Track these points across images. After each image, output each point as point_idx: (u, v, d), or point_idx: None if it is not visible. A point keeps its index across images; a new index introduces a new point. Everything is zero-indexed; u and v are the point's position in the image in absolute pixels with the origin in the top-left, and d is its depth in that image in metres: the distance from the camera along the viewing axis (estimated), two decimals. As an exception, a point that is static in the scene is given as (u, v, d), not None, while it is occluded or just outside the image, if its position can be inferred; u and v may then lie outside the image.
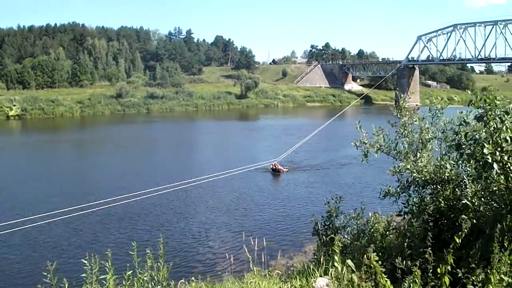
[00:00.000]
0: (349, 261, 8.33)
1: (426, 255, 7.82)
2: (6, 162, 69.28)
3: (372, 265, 7.99)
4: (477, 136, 8.26)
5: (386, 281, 7.74)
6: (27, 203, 43.44)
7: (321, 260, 9.99)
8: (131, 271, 8.46)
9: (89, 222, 36.66)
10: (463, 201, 8.90)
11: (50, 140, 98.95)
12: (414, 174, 10.21)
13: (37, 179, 55.37)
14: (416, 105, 14.55)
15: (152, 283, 8.64)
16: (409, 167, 10.42)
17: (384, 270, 7.86)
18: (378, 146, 11.29)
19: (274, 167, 55.12)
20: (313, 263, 11.10)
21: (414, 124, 11.11)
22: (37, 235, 33.84)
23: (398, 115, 11.32)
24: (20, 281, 27.06)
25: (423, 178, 10.05)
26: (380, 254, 8.63)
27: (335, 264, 8.53)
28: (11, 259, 30.79)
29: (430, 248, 7.86)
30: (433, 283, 7.68)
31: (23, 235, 32.48)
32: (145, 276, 8.56)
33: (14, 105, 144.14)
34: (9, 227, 26.86)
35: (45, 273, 8.02)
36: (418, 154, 10.59)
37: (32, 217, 29.21)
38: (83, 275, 8.14)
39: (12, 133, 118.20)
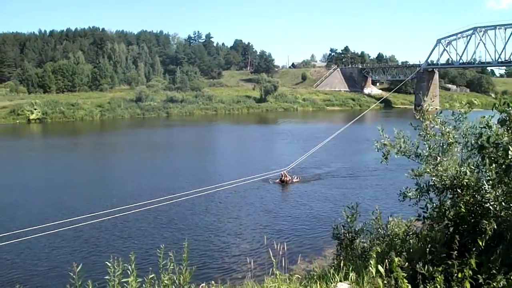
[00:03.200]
0: (380, 267, 8.28)
1: (450, 261, 7.78)
2: (29, 166, 69.82)
3: (393, 270, 7.94)
4: (500, 140, 8.20)
5: (407, 286, 7.69)
6: (52, 207, 43.71)
7: (341, 264, 9.94)
8: (153, 275, 8.46)
9: (112, 226, 36.81)
10: (484, 205, 8.82)
11: (71, 143, 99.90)
12: (434, 178, 10.13)
13: (61, 183, 55.62)
14: (436, 108, 14.40)
15: (173, 286, 8.64)
16: (429, 170, 10.35)
17: (405, 275, 7.81)
18: (399, 147, 11.21)
19: (282, 178, 52.57)
20: (333, 267, 11.06)
21: (435, 128, 11.03)
22: (63, 239, 34.00)
23: (421, 118, 11.24)
24: (48, 282, 27.23)
25: (442, 183, 9.97)
26: (400, 259, 8.57)
27: (370, 268, 8.48)
28: (40, 260, 31.09)
29: (456, 252, 7.81)
30: None
31: (50, 238, 32.66)
32: (166, 280, 8.56)
33: (35, 109, 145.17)
34: (39, 231, 27.56)
35: (71, 274, 8.08)
36: (439, 158, 10.50)
37: (59, 222, 29.34)
38: (106, 277, 8.16)
39: (33, 137, 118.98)
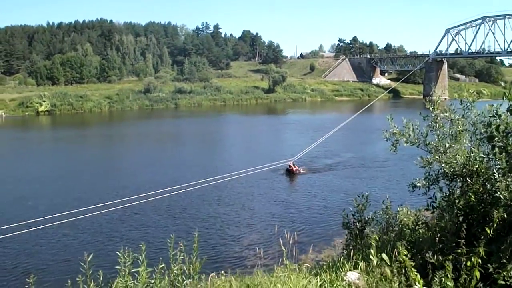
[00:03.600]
0: (384, 255, 8.31)
1: (459, 249, 7.79)
2: (40, 158, 70.48)
3: (402, 260, 7.96)
4: (510, 129, 8.19)
5: (416, 275, 7.71)
6: (64, 198, 43.99)
7: (351, 254, 9.97)
8: (163, 265, 8.51)
9: (123, 216, 37.02)
10: (494, 195, 8.80)
11: (81, 135, 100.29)
12: (443, 165, 10.13)
13: (72, 174, 55.94)
14: (445, 98, 14.38)
15: (183, 276, 8.67)
16: (438, 157, 10.35)
17: (414, 264, 7.82)
18: (408, 136, 11.21)
19: (289, 168, 52.44)
20: (343, 257, 11.08)
21: (444, 118, 11.02)
22: (76, 229, 34.26)
23: (430, 108, 11.22)
24: (61, 271, 27.37)
25: (452, 170, 9.97)
26: (410, 248, 8.58)
27: (371, 257, 8.51)
28: (53, 250, 31.33)
29: (463, 240, 7.82)
30: (465, 276, 7.63)
31: (63, 228, 32.93)
32: (176, 270, 8.59)
33: (44, 101, 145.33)
34: (50, 221, 27.62)
35: (82, 263, 8.13)
36: (447, 145, 10.49)
37: (70, 211, 29.57)
38: (117, 267, 8.21)
39: (43, 129, 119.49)
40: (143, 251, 8.29)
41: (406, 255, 7.96)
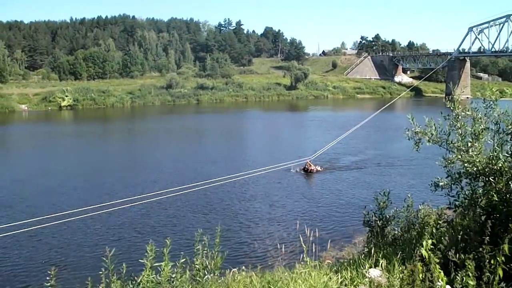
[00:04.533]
0: (406, 253, 8.29)
1: (482, 248, 7.75)
2: (66, 152, 71.31)
3: (424, 257, 7.94)
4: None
5: (440, 272, 7.69)
6: (90, 191, 44.60)
7: (372, 251, 9.96)
8: (185, 259, 8.56)
9: (146, 211, 37.28)
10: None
11: (104, 129, 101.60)
12: (466, 165, 10.10)
13: (97, 168, 56.47)
14: (467, 97, 14.26)
15: (205, 271, 8.72)
16: (460, 156, 10.31)
17: (438, 261, 7.81)
18: (430, 135, 11.17)
19: (306, 167, 51.86)
20: (363, 254, 11.07)
21: (467, 117, 10.97)
22: (102, 222, 34.63)
23: (451, 107, 11.17)
24: (86, 263, 27.63)
25: (474, 169, 9.93)
26: (431, 247, 8.56)
27: (392, 255, 8.51)
28: (79, 242, 31.58)
29: (488, 237, 7.78)
30: (488, 275, 7.60)
31: (89, 221, 33.35)
32: (197, 264, 8.65)
33: (67, 96, 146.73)
34: (73, 215, 28.22)
35: (104, 258, 8.22)
36: (469, 144, 10.45)
37: (97, 205, 29.88)
38: (141, 261, 8.28)
39: (66, 123, 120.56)
40: (167, 246, 8.35)
41: (431, 250, 7.95)
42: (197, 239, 8.80)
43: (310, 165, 51.60)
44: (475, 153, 10.18)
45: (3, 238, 28.38)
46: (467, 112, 10.91)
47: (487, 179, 9.85)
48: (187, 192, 35.33)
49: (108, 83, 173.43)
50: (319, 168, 52.10)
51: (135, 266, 8.76)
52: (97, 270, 8.48)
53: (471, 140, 10.53)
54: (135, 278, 8.32)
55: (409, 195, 13.05)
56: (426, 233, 9.70)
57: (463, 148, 10.51)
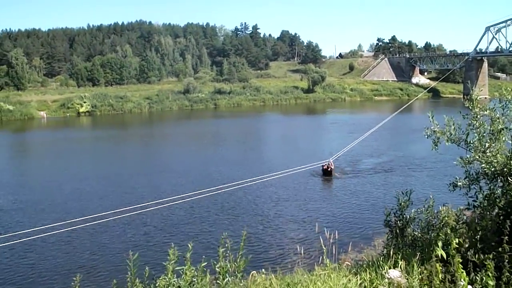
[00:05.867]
0: (426, 253, 8.30)
1: (501, 248, 7.75)
2: (89, 157, 72.23)
3: (443, 257, 7.94)
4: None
5: (462, 271, 7.69)
6: (115, 195, 45.45)
7: (391, 253, 9.98)
8: (205, 263, 8.60)
9: (167, 215, 37.63)
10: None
11: (124, 135, 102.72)
12: (483, 165, 10.10)
13: (121, 173, 57.03)
14: (485, 97, 14.23)
15: (227, 274, 8.75)
16: (478, 157, 10.31)
17: (460, 261, 7.82)
18: (449, 135, 11.18)
19: (325, 167, 51.53)
20: (383, 256, 11.09)
21: (485, 116, 10.97)
22: (126, 227, 35.09)
23: (470, 106, 11.17)
24: (107, 267, 27.97)
25: (492, 169, 9.92)
26: (456, 246, 8.57)
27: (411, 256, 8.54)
28: (100, 248, 31.90)
29: (507, 237, 7.78)
30: (507, 274, 7.60)
31: (114, 226, 33.86)
32: (218, 267, 8.69)
33: (85, 102, 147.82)
34: (98, 219, 28.91)
35: (127, 261, 8.31)
36: (487, 145, 10.45)
37: (115, 210, 30.21)
38: (164, 263, 8.34)
39: (85, 129, 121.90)
40: (190, 250, 8.41)
41: (455, 250, 7.96)
42: (221, 242, 8.84)
43: (331, 164, 51.41)
44: (493, 153, 10.18)
45: (34, 241, 28.95)
46: (485, 112, 10.91)
47: (505, 179, 9.85)
48: (211, 195, 36.51)
49: (125, 89, 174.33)
50: (337, 173, 51.77)
51: (158, 269, 8.84)
52: (122, 273, 8.58)
53: (489, 140, 10.53)
54: (156, 281, 8.37)
55: (430, 196, 13.04)
56: (444, 234, 9.70)
57: (481, 148, 10.51)
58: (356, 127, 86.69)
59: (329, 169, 51.01)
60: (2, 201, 44.86)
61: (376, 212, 35.47)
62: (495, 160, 9.94)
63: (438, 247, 8.11)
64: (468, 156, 10.87)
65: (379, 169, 54.41)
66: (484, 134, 10.77)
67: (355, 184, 48.16)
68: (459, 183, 11.01)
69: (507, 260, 7.64)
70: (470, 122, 11.10)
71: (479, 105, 11.05)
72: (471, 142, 10.86)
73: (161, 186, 48.06)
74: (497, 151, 10.16)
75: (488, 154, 10.22)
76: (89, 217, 28.79)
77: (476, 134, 10.83)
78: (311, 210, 39.66)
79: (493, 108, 10.89)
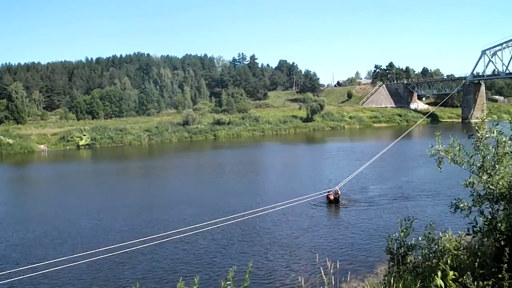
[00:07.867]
0: (425, 282, 8.30)
1: (501, 274, 7.75)
2: (91, 190, 71.68)
3: (447, 284, 7.94)
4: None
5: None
6: (114, 231, 44.85)
7: (391, 281, 9.97)
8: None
9: (173, 249, 37.37)
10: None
11: (126, 168, 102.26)
12: (487, 187, 10.11)
13: (120, 206, 56.63)
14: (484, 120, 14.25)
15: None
16: (480, 179, 10.34)
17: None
18: (453, 155, 11.23)
19: (329, 196, 50.97)
20: (383, 285, 11.08)
21: (490, 139, 11.03)
22: (126, 260, 34.86)
23: (476, 127, 11.24)
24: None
25: (496, 192, 9.94)
26: (454, 273, 8.56)
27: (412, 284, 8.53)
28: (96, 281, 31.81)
29: (506, 265, 7.78)
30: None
31: (119, 260, 33.59)
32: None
33: (84, 135, 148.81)
34: (102, 253, 28.68)
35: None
36: (491, 168, 10.48)
37: (122, 243, 30.12)
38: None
39: (86, 162, 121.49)
40: (195, 284, 8.40)
41: (452, 280, 7.96)
42: (229, 277, 8.81)
43: (338, 192, 51.23)
44: (496, 176, 10.20)
45: (58, 272, 28.96)
46: (492, 135, 10.96)
47: (508, 203, 9.86)
48: (211, 228, 36.48)
49: (125, 121, 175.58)
50: (342, 200, 51.72)
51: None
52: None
53: (493, 163, 10.57)
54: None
55: (431, 223, 13.04)
56: (443, 263, 9.69)
57: (485, 170, 10.55)
58: (357, 156, 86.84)
59: (336, 196, 50.84)
60: (21, 234, 44.92)
61: (378, 239, 35.32)
62: (498, 183, 9.97)
63: (438, 276, 8.10)
64: (471, 178, 10.90)
65: (380, 197, 54.07)
66: (488, 157, 10.81)
67: (358, 212, 47.94)
68: (460, 205, 11.04)
69: (506, 287, 7.63)
70: (474, 143, 11.16)
71: (485, 127, 11.11)
72: (474, 164, 10.91)
73: (163, 219, 47.77)
74: (502, 175, 10.19)
75: (491, 176, 10.25)
76: (93, 251, 28.78)
77: (480, 156, 10.88)
78: (313, 240, 39.35)
79: (501, 131, 10.94)
